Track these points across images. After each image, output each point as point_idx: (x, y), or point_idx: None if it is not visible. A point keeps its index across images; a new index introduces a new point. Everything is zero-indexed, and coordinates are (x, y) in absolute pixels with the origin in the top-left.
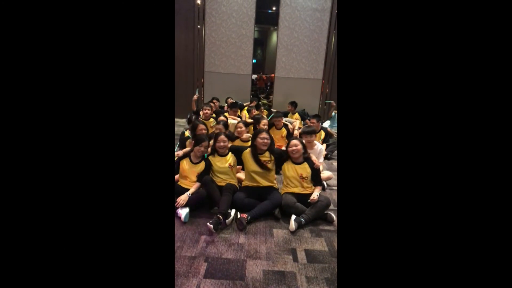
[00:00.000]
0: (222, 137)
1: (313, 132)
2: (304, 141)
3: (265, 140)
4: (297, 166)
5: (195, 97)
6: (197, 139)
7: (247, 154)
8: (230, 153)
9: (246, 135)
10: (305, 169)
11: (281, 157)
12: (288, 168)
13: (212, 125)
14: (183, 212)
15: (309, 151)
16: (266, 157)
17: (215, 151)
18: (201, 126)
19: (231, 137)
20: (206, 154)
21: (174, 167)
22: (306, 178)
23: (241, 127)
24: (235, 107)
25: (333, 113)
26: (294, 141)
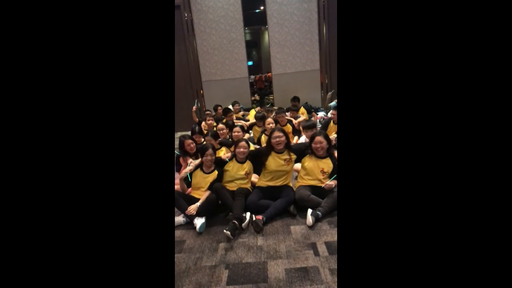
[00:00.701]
0: (243, 143)
1: (313, 126)
2: (306, 134)
3: (277, 139)
4: (320, 161)
5: (194, 108)
6: (201, 149)
7: (267, 155)
8: (248, 161)
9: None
10: (327, 164)
11: (302, 153)
12: (309, 161)
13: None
14: (198, 223)
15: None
16: (285, 155)
17: (234, 156)
18: (188, 142)
19: (228, 144)
20: (227, 159)
21: (174, 176)
22: (327, 173)
23: (238, 131)
24: (229, 112)
25: (333, 102)
26: (319, 138)
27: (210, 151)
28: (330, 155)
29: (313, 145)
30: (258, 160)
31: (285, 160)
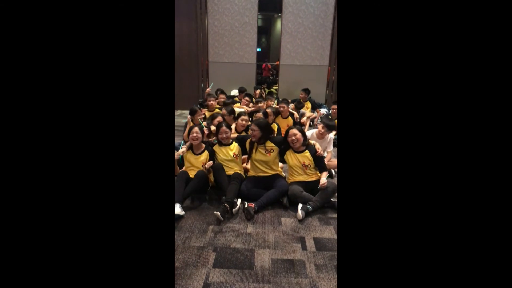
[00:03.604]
0: (224, 128)
1: (334, 129)
2: (321, 131)
3: (251, 132)
4: (298, 155)
5: (208, 90)
6: (189, 128)
7: (249, 143)
8: (234, 142)
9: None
10: (306, 157)
11: (282, 145)
12: (291, 157)
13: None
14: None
15: (319, 140)
16: (269, 145)
17: (219, 141)
18: (199, 112)
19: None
20: (216, 141)
21: (174, 160)
22: (309, 166)
23: (245, 120)
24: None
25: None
26: (293, 130)
27: (196, 129)
28: (308, 147)
29: (288, 139)
30: (244, 145)
31: (266, 151)
